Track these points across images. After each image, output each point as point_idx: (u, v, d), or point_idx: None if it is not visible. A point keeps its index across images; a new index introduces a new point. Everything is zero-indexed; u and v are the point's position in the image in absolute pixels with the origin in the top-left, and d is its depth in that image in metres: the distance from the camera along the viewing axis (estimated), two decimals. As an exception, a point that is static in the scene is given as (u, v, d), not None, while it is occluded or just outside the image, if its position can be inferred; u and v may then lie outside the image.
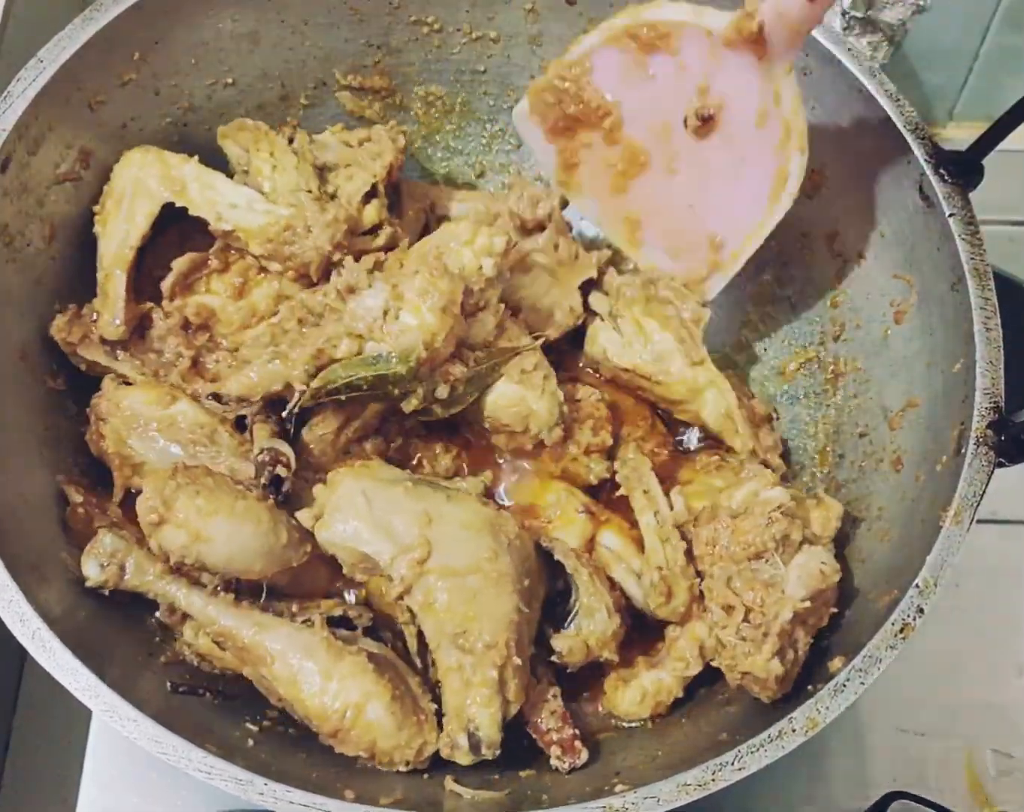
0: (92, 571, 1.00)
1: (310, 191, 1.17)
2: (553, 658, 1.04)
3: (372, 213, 1.17)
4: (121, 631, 1.00)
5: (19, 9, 1.17)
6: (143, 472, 1.11)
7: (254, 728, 0.97)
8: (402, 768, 0.97)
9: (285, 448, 1.06)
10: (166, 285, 1.16)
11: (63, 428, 1.11)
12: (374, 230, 1.19)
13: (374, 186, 1.20)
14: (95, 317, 1.16)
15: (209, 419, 1.10)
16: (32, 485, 1.03)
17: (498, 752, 0.97)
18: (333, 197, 1.18)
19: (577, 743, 1.01)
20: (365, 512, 1.00)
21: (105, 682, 0.87)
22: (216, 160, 1.24)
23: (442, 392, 1.08)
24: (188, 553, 0.97)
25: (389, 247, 1.18)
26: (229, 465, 1.08)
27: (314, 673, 0.97)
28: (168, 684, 0.97)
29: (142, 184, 1.15)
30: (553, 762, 1.00)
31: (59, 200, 1.12)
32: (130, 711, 0.86)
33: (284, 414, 1.08)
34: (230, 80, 1.25)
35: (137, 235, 1.14)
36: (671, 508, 1.11)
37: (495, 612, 0.98)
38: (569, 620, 1.06)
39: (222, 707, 0.99)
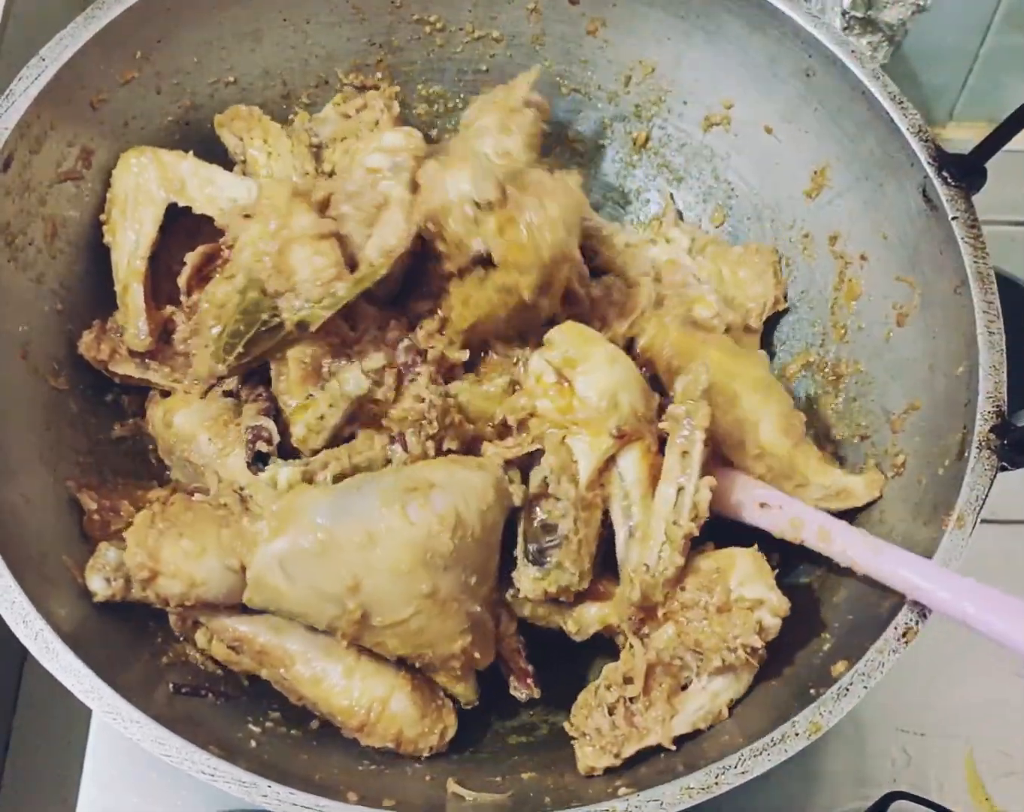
0: (98, 586, 0.99)
1: (307, 173, 1.16)
2: (511, 591, 1.04)
3: None
4: (123, 633, 1.00)
5: (20, 8, 1.17)
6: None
7: (256, 729, 0.97)
8: (426, 753, 0.99)
9: (268, 424, 1.05)
10: (182, 280, 1.15)
11: (65, 427, 1.10)
12: None
13: None
14: (119, 332, 1.15)
15: (193, 427, 1.10)
16: (34, 485, 1.03)
17: (477, 702, 1.04)
18: (331, 176, 1.16)
19: (530, 679, 1.05)
20: (288, 590, 0.93)
21: (108, 684, 0.86)
22: (218, 158, 1.24)
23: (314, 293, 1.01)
24: (188, 598, 0.97)
25: None
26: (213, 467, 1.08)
27: (336, 672, 0.98)
28: (170, 685, 0.97)
29: (143, 189, 1.14)
30: (512, 692, 1.05)
31: (61, 199, 1.12)
32: (133, 713, 0.86)
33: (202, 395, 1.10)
34: (232, 79, 1.25)
35: (147, 243, 1.13)
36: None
37: (446, 631, 0.97)
38: (545, 560, 1.02)
39: (224, 708, 0.99)
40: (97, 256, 1.17)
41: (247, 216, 1.04)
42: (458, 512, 0.95)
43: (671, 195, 1.38)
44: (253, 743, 0.95)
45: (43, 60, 1.06)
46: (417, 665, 1.00)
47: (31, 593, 0.89)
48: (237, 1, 1.19)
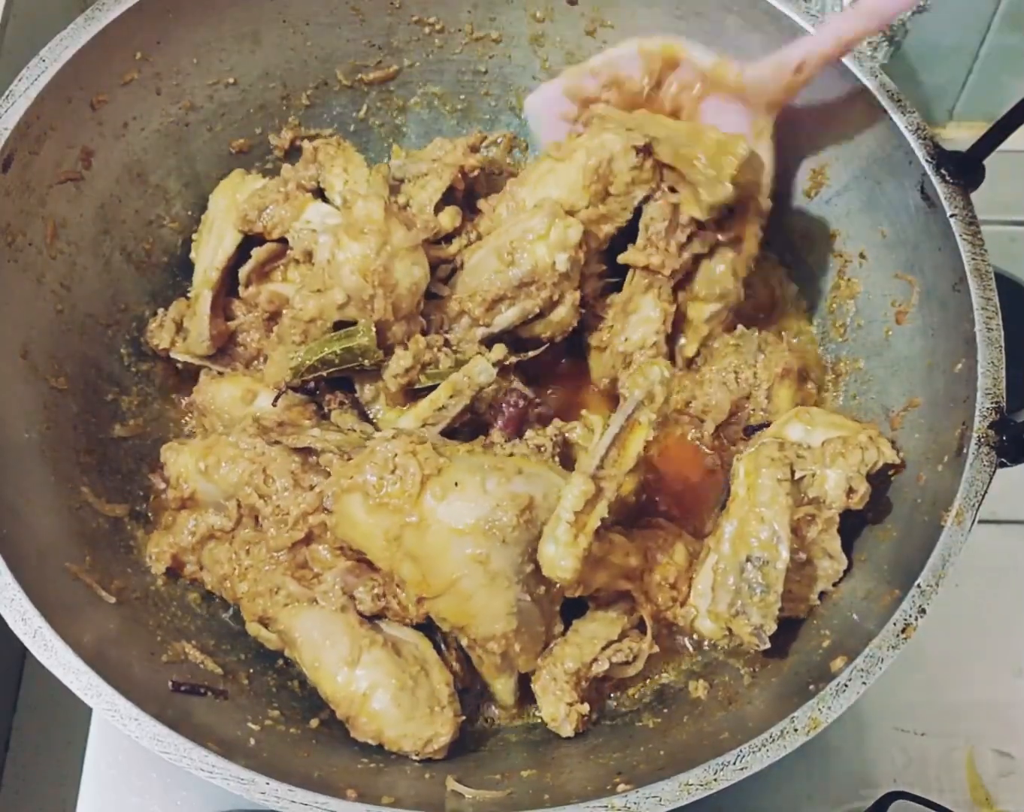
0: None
1: None
2: None
3: (446, 220, 1.17)
4: (122, 630, 1.00)
5: (20, 9, 1.17)
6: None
7: (255, 727, 0.97)
8: (413, 756, 0.99)
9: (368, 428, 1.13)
10: (243, 272, 1.20)
11: (65, 427, 1.11)
12: (451, 237, 1.18)
13: (449, 193, 1.20)
14: (179, 327, 1.22)
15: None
16: (33, 484, 1.03)
17: (514, 710, 1.08)
18: (405, 207, 1.18)
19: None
20: (362, 522, 1.01)
21: (107, 681, 0.87)
22: (217, 161, 1.26)
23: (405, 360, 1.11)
24: None
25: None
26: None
27: (332, 659, 1.00)
28: (170, 683, 0.97)
29: (231, 212, 1.21)
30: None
31: (60, 199, 1.12)
32: (132, 710, 0.86)
33: (273, 402, 1.14)
34: (232, 80, 1.25)
35: (224, 257, 1.20)
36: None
37: (492, 608, 0.99)
38: None
39: (223, 707, 0.99)
40: (97, 256, 1.18)
41: (347, 234, 1.08)
42: (532, 498, 0.98)
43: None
44: (252, 741, 0.95)
45: (43, 60, 1.07)
46: (465, 644, 1.03)
47: (30, 591, 0.89)
48: (236, 3, 1.20)
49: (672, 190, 1.18)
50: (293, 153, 1.32)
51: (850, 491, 1.05)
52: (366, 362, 1.10)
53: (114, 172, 1.18)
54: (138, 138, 1.20)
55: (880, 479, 1.08)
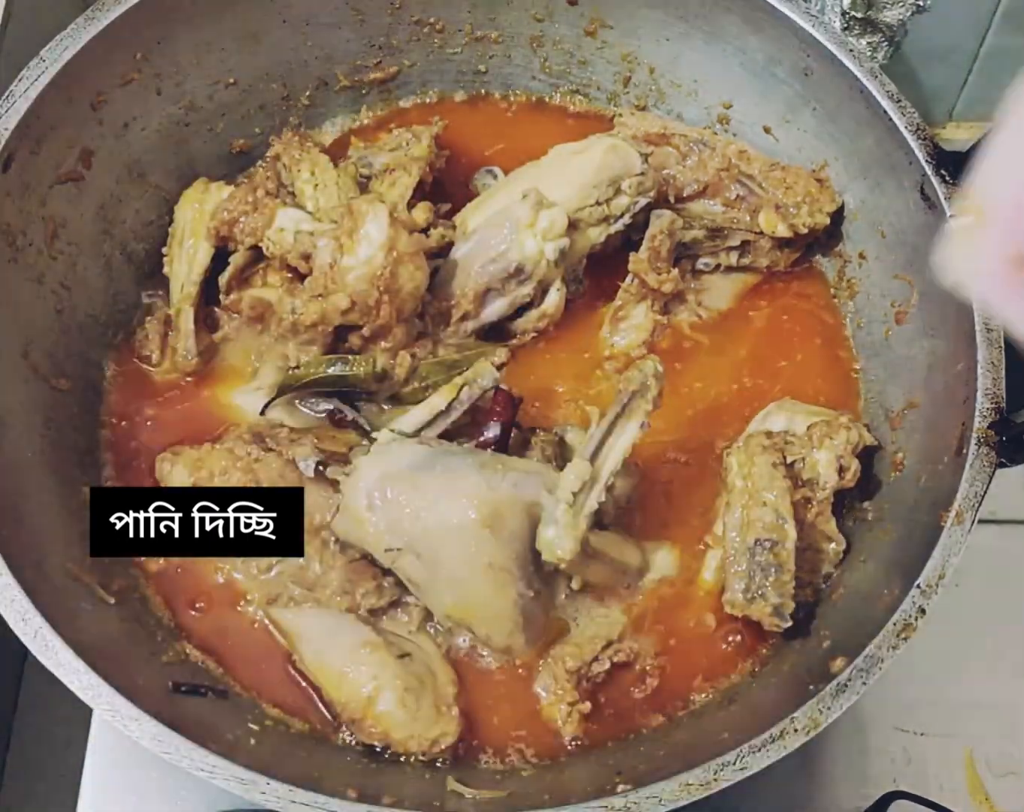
0: None
1: None
2: None
3: (419, 216, 1.16)
4: (123, 630, 1.00)
5: (20, 9, 1.17)
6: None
7: (256, 727, 0.97)
8: (421, 757, 0.98)
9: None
10: (223, 280, 1.18)
11: (65, 427, 1.11)
12: (425, 232, 1.17)
13: (420, 186, 1.20)
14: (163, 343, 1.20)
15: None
16: (33, 484, 1.03)
17: None
18: None
19: None
20: (367, 518, 1.00)
21: (107, 682, 0.86)
22: (218, 161, 1.27)
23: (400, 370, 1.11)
24: None
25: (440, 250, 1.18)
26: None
27: (335, 661, 0.99)
28: (170, 684, 0.97)
29: (199, 223, 1.19)
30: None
31: (61, 199, 1.12)
32: (132, 711, 0.86)
33: (261, 411, 1.14)
34: (232, 80, 1.25)
35: (199, 270, 1.18)
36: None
37: (495, 605, 1.00)
38: None
39: (224, 707, 0.99)
40: (97, 257, 1.17)
41: (351, 239, 1.08)
42: (533, 494, 0.99)
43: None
44: (253, 741, 0.95)
45: (43, 61, 1.07)
46: (467, 641, 1.04)
47: (30, 591, 0.89)
48: (236, 3, 1.20)
49: (670, 206, 1.21)
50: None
51: (841, 470, 1.06)
52: (359, 388, 1.12)
53: (114, 172, 1.18)
54: (138, 138, 1.20)
55: (863, 463, 1.09)
